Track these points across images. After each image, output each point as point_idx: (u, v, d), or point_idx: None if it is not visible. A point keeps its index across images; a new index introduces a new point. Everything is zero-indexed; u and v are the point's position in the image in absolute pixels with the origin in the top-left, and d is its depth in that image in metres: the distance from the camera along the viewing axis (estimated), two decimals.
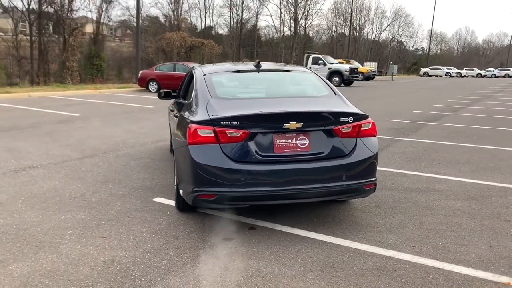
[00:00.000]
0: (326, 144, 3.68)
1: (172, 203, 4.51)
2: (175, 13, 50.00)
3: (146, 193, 4.89)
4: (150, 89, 19.25)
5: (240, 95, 4.28)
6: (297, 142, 3.62)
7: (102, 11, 43.03)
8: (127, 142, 7.81)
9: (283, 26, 59.05)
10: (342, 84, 26.99)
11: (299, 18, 57.18)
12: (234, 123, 3.51)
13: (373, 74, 38.14)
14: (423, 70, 61.61)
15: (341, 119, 3.69)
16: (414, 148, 7.65)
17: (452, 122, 11.39)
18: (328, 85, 4.43)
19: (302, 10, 57.26)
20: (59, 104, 13.97)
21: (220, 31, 57.66)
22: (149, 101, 15.55)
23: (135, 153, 6.96)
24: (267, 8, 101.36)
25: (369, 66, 42.67)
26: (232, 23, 55.22)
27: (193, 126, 3.59)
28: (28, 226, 3.88)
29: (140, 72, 20.19)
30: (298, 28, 57.40)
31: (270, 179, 3.52)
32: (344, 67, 27.43)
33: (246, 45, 56.03)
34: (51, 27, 41.10)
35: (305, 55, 29.21)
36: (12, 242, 3.54)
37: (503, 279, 3.07)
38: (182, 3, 49.25)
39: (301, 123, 3.56)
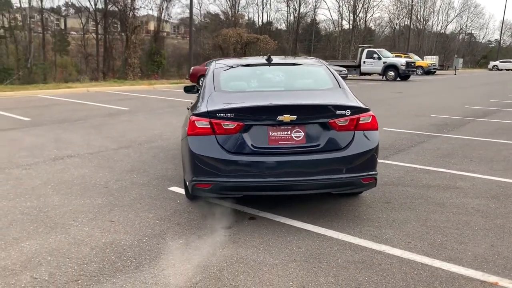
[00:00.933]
0: (322, 137, 3.69)
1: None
2: (232, 9, 50.80)
3: (165, 182, 5.14)
4: (201, 84, 19.75)
5: (244, 88, 4.39)
6: (292, 134, 3.67)
7: (162, 9, 44.63)
8: (164, 135, 8.16)
9: (342, 20, 58.07)
10: (398, 79, 26.15)
11: (358, 11, 55.93)
12: (229, 115, 3.63)
13: (434, 68, 36.51)
14: (492, 63, 57.96)
15: (338, 112, 3.69)
16: (450, 145, 7.36)
17: (504, 118, 10.74)
18: (336, 78, 4.42)
19: (362, 2, 55.95)
20: (113, 98, 14.76)
21: (278, 26, 57.76)
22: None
23: (167, 145, 7.27)
24: (325, 2, 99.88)
25: (430, 60, 40.86)
26: (289, 18, 55.11)
27: (193, 118, 3.76)
28: (49, 209, 4.24)
29: (192, 68, 20.77)
30: (357, 21, 56.18)
31: (263, 171, 3.61)
32: (400, 61, 26.54)
33: (303, 39, 55.67)
34: (118, 26, 43.10)
35: (359, 49, 28.58)
36: (31, 223, 3.90)
37: (492, 278, 2.96)
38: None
39: (295, 116, 3.61)
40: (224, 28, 44.00)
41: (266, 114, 3.65)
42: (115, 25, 41.25)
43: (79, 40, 46.76)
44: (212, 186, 3.67)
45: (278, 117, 3.60)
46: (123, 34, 38.91)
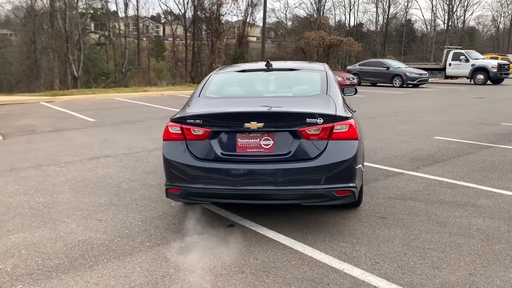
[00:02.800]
0: (292, 145, 3.55)
1: None
2: (319, 12, 50.41)
3: None
4: None
5: (228, 94, 4.36)
6: (261, 142, 3.58)
7: (247, 15, 45.68)
8: None
9: (435, 20, 54.76)
10: (489, 82, 24.00)
11: (455, 9, 52.36)
12: (197, 121, 3.64)
13: None
14: None
15: (308, 120, 3.52)
16: (500, 157, 6.62)
17: None
18: (327, 85, 4.21)
19: (459, 0, 52.27)
20: (182, 102, 15.43)
21: (365, 28, 56.12)
22: None
23: None
24: (417, 1, 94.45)
25: None
26: (377, 19, 53.31)
27: (168, 123, 3.83)
28: (54, 205, 4.58)
29: None
30: (453, 21, 52.63)
31: (229, 178, 3.57)
32: (491, 63, 24.31)
33: (393, 41, 53.47)
34: (205, 32, 44.96)
35: (445, 50, 26.69)
36: (31, 217, 4.25)
37: None
38: (325, 1, 49.34)
39: (262, 123, 3.52)
40: (307, 31, 43.78)
41: (234, 121, 3.60)
42: (203, 31, 43.01)
43: (176, 45, 49.61)
44: (181, 191, 3.71)
45: (245, 124, 3.53)
46: (208, 39, 40.49)
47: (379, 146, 7.50)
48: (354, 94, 6.37)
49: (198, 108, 3.85)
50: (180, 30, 48.66)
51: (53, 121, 10.68)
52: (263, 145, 3.58)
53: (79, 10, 34.46)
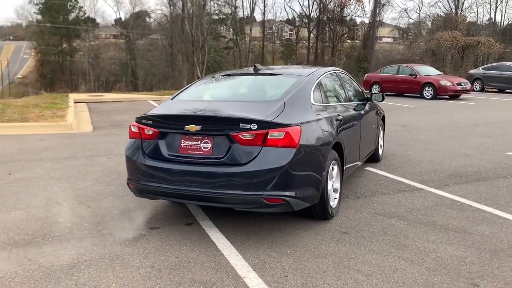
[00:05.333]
0: (227, 150, 3.57)
1: None
2: (456, 10, 46.43)
3: None
4: (373, 92, 19.06)
5: (195, 97, 4.47)
6: (201, 145, 3.67)
7: (374, 15, 44.15)
8: None
9: None
10: None
11: None
12: (149, 122, 3.88)
13: None
14: None
15: (242, 125, 3.50)
16: None
17: None
18: (294, 91, 4.06)
19: None
20: None
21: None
22: None
23: None
24: None
25: None
26: None
27: (131, 123, 4.13)
28: (62, 191, 5.17)
29: (366, 74, 20.23)
30: None
31: (172, 178, 3.73)
32: None
33: None
34: (328, 34, 44.74)
35: None
36: (32, 199, 4.87)
37: None
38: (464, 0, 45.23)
39: (200, 126, 3.60)
40: (440, 31, 40.67)
41: (176, 123, 3.74)
42: (326, 32, 42.84)
43: (299, 48, 50.44)
44: (135, 186, 3.98)
45: (185, 126, 3.66)
46: (329, 41, 40.25)
47: (429, 158, 6.84)
48: (382, 101, 6.01)
49: (157, 109, 4.09)
50: (305, 32, 49.17)
51: None
52: (202, 148, 3.67)
53: (209, 16, 37.15)
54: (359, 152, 5.21)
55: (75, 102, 14.85)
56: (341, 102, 4.99)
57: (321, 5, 41.77)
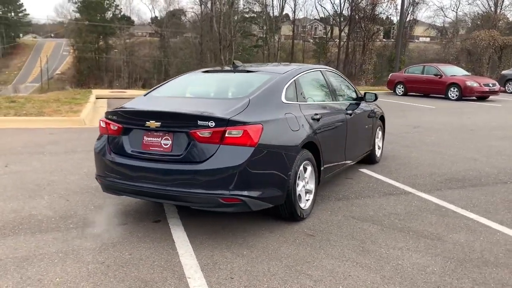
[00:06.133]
0: (186, 147, 3.51)
1: None
2: (496, 8, 44.69)
3: None
4: (396, 92, 18.54)
5: (171, 94, 4.41)
6: (161, 141, 3.63)
7: (407, 14, 43.08)
8: None
9: None
10: None
11: None
12: (114, 117, 3.87)
13: None
14: None
15: (199, 122, 3.43)
16: None
17: None
18: (262, 88, 3.96)
19: None
20: None
21: None
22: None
23: None
24: None
25: None
26: None
27: (100, 118, 4.14)
28: (59, 185, 5.25)
29: (391, 74, 19.69)
30: None
31: (132, 174, 3.70)
32: None
33: None
34: (359, 33, 43.96)
35: None
36: (30, 191, 4.99)
37: None
38: None
39: (160, 123, 3.56)
40: (477, 30, 39.26)
41: (138, 119, 3.71)
42: (357, 31, 42.12)
43: (330, 47, 49.77)
44: (101, 182, 3.98)
45: (146, 122, 3.62)
46: (360, 40, 39.58)
47: (430, 161, 6.56)
48: (375, 101, 5.83)
49: (125, 104, 4.07)
50: (337, 31, 48.49)
51: None
52: (163, 145, 3.62)
53: (239, 15, 37.22)
54: (345, 153, 5.04)
55: (97, 98, 15.17)
56: (324, 101, 4.84)
57: (353, 3, 41.11)
